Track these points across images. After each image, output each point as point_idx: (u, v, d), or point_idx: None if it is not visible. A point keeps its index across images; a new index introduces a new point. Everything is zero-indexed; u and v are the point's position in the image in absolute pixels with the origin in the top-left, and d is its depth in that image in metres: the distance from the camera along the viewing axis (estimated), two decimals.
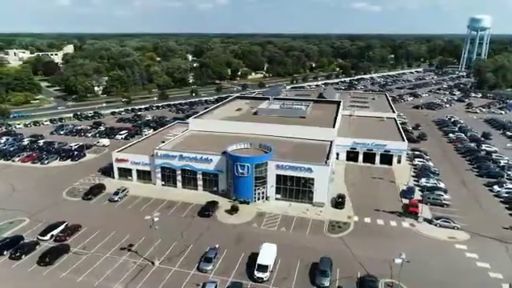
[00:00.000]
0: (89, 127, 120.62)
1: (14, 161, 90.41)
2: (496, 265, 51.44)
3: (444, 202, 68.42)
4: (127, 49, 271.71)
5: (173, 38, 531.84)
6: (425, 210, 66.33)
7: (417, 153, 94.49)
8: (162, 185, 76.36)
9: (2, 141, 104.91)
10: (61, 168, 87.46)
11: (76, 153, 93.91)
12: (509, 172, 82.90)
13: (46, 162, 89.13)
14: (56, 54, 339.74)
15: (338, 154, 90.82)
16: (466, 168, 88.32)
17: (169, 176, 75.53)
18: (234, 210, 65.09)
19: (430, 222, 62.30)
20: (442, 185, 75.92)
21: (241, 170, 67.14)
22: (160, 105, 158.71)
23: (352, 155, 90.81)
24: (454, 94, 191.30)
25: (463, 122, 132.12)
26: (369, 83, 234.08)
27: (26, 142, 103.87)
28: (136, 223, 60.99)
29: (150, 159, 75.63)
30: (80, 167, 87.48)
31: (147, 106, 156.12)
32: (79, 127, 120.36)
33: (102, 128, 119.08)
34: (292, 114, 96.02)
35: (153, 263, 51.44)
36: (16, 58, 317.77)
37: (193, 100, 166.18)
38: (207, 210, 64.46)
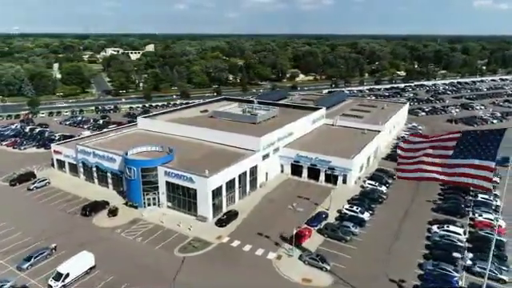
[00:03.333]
0: (92, 120, 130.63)
1: (1, 144, 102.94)
2: None
3: (344, 236, 56.70)
4: (188, 48, 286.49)
5: (266, 38, 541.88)
6: (315, 242, 56.40)
7: (378, 174, 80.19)
8: (85, 180, 78.78)
9: (13, 126, 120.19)
10: (29, 154, 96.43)
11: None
12: (478, 210, 64.98)
13: (22, 148, 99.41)
14: (138, 53, 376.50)
15: (282, 166, 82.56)
16: (428, 199, 71.84)
17: (89, 172, 77.56)
18: (111, 213, 63.84)
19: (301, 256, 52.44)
20: (364, 215, 63.09)
21: (128, 173, 65.50)
22: (178, 102, 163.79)
23: (300, 169, 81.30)
24: None
25: None
26: (424, 90, 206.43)
27: (27, 129, 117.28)
28: (21, 212, 64.74)
29: (76, 154, 78.57)
30: (43, 155, 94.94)
31: (165, 103, 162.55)
32: (83, 119, 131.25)
33: (101, 122, 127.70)
34: (244, 119, 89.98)
35: None
36: (106, 56, 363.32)
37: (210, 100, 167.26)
38: (85, 209, 64.40)
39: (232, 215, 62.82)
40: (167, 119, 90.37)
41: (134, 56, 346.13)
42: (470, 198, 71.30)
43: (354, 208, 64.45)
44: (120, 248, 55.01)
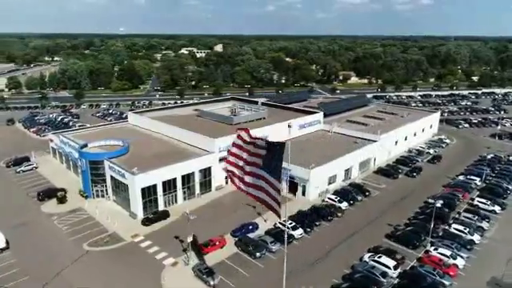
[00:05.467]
0: (118, 113, 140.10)
1: (30, 130, 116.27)
2: None
3: (254, 251, 52.05)
4: (245, 48, 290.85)
5: (351, 39, 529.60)
6: (224, 254, 52.83)
7: (347, 188, 71.82)
8: (66, 168, 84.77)
9: (52, 115, 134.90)
10: (45, 141, 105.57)
11: None
12: (439, 243, 54.24)
13: (42, 134, 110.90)
14: (204, 52, 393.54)
15: None
16: (393, 222, 62.02)
17: (67, 160, 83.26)
18: (58, 201, 67.50)
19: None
20: (296, 232, 56.97)
21: (79, 164, 68.71)
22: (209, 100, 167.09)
23: None
24: None
25: None
26: (490, 99, 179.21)
27: (59, 118, 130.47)
28: None
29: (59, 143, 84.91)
30: None
31: (195, 100, 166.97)
32: (112, 112, 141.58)
33: (123, 115, 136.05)
34: (223, 119, 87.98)
35: None
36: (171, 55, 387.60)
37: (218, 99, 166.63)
38: (39, 194, 69.15)
39: (162, 215, 61.92)
40: (153, 116, 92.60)
41: (199, 55, 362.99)
42: (445, 227, 59.82)
43: (288, 223, 58.59)
44: (42, 234, 57.84)
